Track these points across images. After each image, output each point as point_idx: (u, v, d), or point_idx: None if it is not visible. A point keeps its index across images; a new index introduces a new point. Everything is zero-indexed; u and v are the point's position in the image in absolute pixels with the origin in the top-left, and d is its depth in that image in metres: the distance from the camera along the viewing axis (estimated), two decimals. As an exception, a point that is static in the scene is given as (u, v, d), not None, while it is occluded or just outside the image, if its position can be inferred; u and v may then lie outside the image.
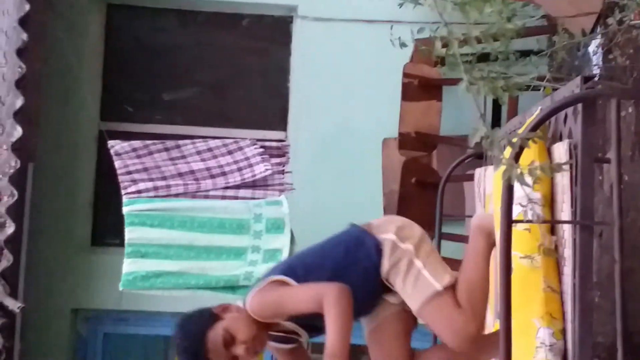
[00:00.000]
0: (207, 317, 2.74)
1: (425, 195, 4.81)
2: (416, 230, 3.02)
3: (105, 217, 5.80)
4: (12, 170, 4.89)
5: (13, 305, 4.72)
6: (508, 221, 2.25)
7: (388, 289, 2.95)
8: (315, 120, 5.80)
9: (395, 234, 2.96)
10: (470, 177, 4.30)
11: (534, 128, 2.34)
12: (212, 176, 4.37)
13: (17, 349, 5.12)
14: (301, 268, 2.88)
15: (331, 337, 2.59)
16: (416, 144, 5.13)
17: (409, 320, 3.00)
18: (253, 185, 4.37)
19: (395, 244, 2.94)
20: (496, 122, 5.10)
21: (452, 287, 2.90)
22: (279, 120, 5.97)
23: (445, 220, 4.27)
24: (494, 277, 3.31)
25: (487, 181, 3.73)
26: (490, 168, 3.71)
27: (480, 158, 4.31)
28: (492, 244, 3.05)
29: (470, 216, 4.33)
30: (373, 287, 2.93)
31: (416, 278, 2.89)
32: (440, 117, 5.15)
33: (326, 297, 2.65)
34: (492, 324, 3.41)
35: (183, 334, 2.74)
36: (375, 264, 2.90)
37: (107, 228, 5.76)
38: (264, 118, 6.02)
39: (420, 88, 5.11)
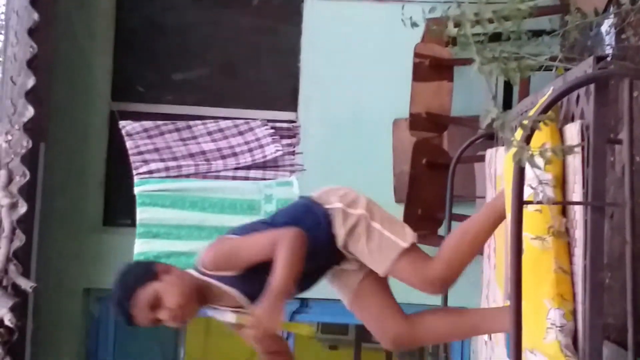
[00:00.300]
0: (146, 274, 2.69)
1: (436, 176, 4.81)
2: (359, 195, 3.01)
3: (116, 197, 5.82)
4: (24, 151, 4.91)
5: (25, 284, 4.75)
6: (519, 202, 2.25)
7: (339, 259, 2.94)
8: (325, 100, 5.79)
9: (341, 202, 2.94)
10: (481, 158, 4.30)
11: (546, 109, 2.33)
12: (223, 157, 4.37)
13: (29, 329, 5.17)
14: (251, 233, 2.84)
15: (278, 273, 2.60)
16: (427, 125, 5.13)
17: (378, 276, 2.98)
18: (264, 166, 4.37)
19: (345, 212, 2.92)
20: (507, 103, 5.08)
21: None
22: (290, 101, 5.96)
23: (456, 202, 4.26)
24: (504, 259, 3.32)
25: (498, 162, 3.72)
26: (501, 149, 3.70)
27: (491, 139, 4.30)
28: (500, 219, 3.06)
29: (481, 197, 4.33)
30: (324, 256, 2.91)
31: (379, 240, 2.89)
32: (452, 97, 5.14)
33: (281, 239, 2.67)
34: (502, 305, 3.42)
35: (118, 283, 2.69)
36: (326, 233, 2.88)
37: (119, 208, 5.77)
38: (275, 98, 6.01)
39: (432, 68, 5.10)
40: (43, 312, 5.41)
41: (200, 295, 2.74)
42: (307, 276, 2.81)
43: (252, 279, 2.73)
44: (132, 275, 2.71)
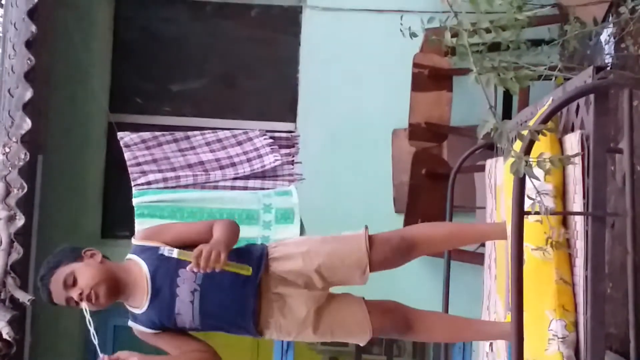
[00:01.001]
0: (70, 254, 2.88)
1: (436, 186, 4.79)
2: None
3: (115, 209, 5.80)
4: (21, 163, 4.88)
5: (23, 297, 4.72)
6: (520, 213, 2.24)
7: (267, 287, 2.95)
8: (324, 111, 5.78)
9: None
10: (481, 168, 4.29)
11: (546, 120, 2.32)
12: (222, 167, 4.36)
13: (27, 342, 5.14)
14: None
15: (218, 233, 2.79)
16: (426, 135, 5.12)
17: (320, 287, 2.99)
18: (262, 175, 4.36)
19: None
20: (507, 113, 5.06)
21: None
22: (288, 111, 5.95)
23: (456, 212, 4.26)
24: (505, 270, 3.30)
25: (498, 172, 3.71)
26: (500, 159, 3.69)
27: (491, 149, 4.29)
28: (482, 240, 3.12)
29: (481, 207, 4.32)
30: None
31: (339, 240, 3.03)
32: (451, 107, 5.13)
33: (218, 221, 2.91)
34: (504, 316, 3.40)
35: (46, 261, 2.89)
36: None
37: (117, 220, 5.76)
38: (273, 109, 6.00)
39: (431, 78, 5.09)
40: (41, 325, 5.38)
41: (114, 284, 2.85)
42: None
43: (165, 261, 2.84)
44: (59, 254, 2.90)
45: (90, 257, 2.90)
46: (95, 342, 2.84)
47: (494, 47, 2.62)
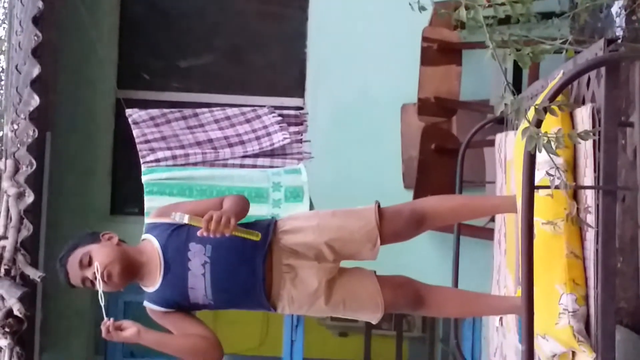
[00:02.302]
0: (88, 237, 2.97)
1: (445, 161, 4.77)
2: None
3: (124, 185, 5.81)
4: (30, 140, 4.88)
5: (34, 274, 4.74)
6: (530, 188, 2.23)
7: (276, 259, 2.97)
8: (333, 86, 5.75)
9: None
10: (491, 143, 4.27)
11: (556, 93, 2.30)
12: (230, 145, 4.35)
13: (38, 318, 5.17)
14: None
15: (228, 204, 2.85)
16: (435, 110, 5.09)
17: (331, 260, 3.00)
18: (271, 154, 4.35)
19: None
20: (517, 86, 5.02)
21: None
22: (297, 87, 5.92)
23: (465, 187, 4.24)
24: (515, 244, 3.29)
25: (508, 147, 3.69)
26: (511, 133, 3.68)
27: (500, 123, 4.27)
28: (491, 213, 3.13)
29: (491, 182, 4.31)
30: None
31: (349, 213, 3.04)
32: (460, 81, 5.09)
33: (227, 196, 2.97)
34: (514, 291, 3.40)
35: (66, 244, 2.98)
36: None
37: (126, 197, 5.76)
38: (281, 85, 5.97)
39: (440, 52, 5.05)
40: (52, 302, 5.41)
41: (129, 264, 2.91)
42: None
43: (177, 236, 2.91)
44: (78, 238, 2.99)
45: (107, 240, 2.97)
46: (103, 305, 2.88)
47: (504, 20, 2.59)
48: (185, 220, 2.76)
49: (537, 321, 2.25)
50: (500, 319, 3.72)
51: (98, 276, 2.83)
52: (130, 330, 2.87)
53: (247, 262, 2.90)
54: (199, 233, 2.74)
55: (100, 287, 2.85)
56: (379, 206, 3.04)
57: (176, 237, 2.91)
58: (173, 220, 2.82)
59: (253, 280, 2.91)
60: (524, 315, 2.23)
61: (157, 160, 4.23)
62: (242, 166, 4.33)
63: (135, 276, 2.96)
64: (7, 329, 4.69)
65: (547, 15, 3.91)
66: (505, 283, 3.69)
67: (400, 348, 8.02)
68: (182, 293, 2.92)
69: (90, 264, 2.87)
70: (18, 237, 4.84)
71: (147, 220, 3.10)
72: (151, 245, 2.96)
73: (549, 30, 3.63)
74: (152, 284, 2.96)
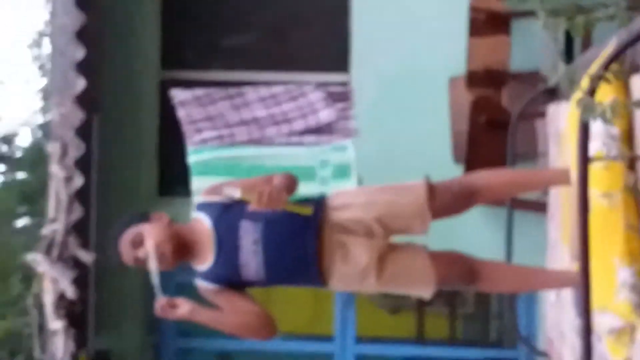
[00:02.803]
0: (140, 218, 3.01)
1: (496, 134, 4.69)
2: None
3: (171, 166, 5.82)
4: (77, 123, 4.94)
5: (85, 257, 4.81)
6: (584, 159, 2.15)
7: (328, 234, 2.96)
8: (378, 60, 5.69)
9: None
10: (543, 114, 4.19)
11: (610, 61, 2.21)
12: (276, 123, 4.34)
13: (92, 300, 5.24)
14: None
15: (278, 180, 2.88)
16: (485, 82, 5.02)
17: (381, 235, 2.99)
18: (318, 131, 4.33)
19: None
20: (569, 55, 4.90)
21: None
22: (341, 62, 5.86)
23: (518, 160, 4.17)
24: (570, 218, 3.23)
25: (561, 118, 3.62)
26: (564, 104, 3.59)
27: (552, 94, 4.17)
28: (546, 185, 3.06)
29: (544, 154, 4.22)
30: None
31: (398, 189, 3.04)
32: (510, 52, 4.99)
33: (276, 174, 2.95)
34: (570, 266, 3.33)
35: (117, 223, 3.03)
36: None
37: (174, 177, 5.77)
38: (326, 60, 5.94)
39: (488, 22, 4.97)
40: (104, 283, 5.47)
41: (181, 242, 2.95)
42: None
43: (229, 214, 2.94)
44: (129, 218, 3.03)
45: (157, 219, 2.99)
46: (155, 284, 2.89)
47: (555, -15, 2.50)
48: (238, 194, 2.82)
49: (594, 295, 2.20)
50: (557, 294, 3.66)
51: (151, 255, 2.86)
52: (184, 307, 2.90)
53: (299, 238, 2.93)
54: (251, 207, 2.80)
55: (152, 266, 2.87)
56: (428, 181, 3.01)
57: (227, 215, 2.95)
58: (225, 196, 2.89)
59: (305, 256, 2.93)
60: (581, 289, 2.18)
61: (204, 141, 4.25)
62: (288, 144, 4.32)
63: (186, 255, 3.00)
64: (61, 311, 4.77)
65: (599, -20, 3.78)
66: (561, 257, 3.63)
67: (454, 325, 7.98)
68: (234, 270, 2.95)
69: (142, 243, 2.91)
70: (68, 220, 4.90)
71: (197, 199, 3.15)
72: (202, 223, 2.99)
73: (601, -5, 3.52)
74: (204, 262, 2.99)
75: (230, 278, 2.98)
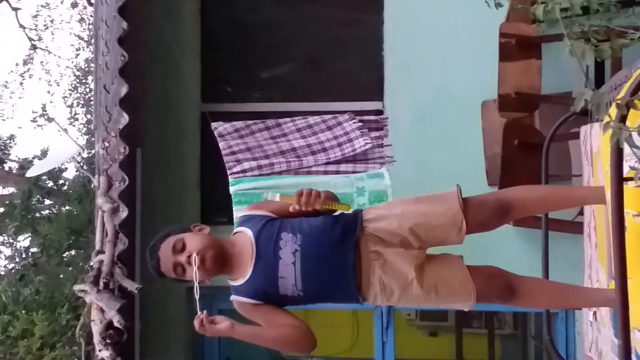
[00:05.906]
0: (180, 228, 3.03)
1: (529, 156, 4.72)
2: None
3: (212, 196, 5.91)
4: (121, 157, 5.04)
5: (131, 286, 4.85)
6: (619, 180, 2.21)
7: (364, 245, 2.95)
8: (411, 87, 5.76)
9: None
10: (576, 135, 4.21)
11: (639, 87, 2.27)
12: (313, 152, 4.39)
13: (137, 329, 5.29)
14: None
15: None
16: (517, 105, 5.04)
17: (417, 246, 2.97)
18: (354, 159, 4.38)
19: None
20: (599, 75, 4.93)
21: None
22: (376, 90, 5.93)
23: (551, 181, 4.20)
24: (606, 237, 3.24)
25: (594, 138, 3.64)
26: (596, 125, 3.63)
27: (585, 115, 4.20)
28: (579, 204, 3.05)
29: (578, 175, 4.25)
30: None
31: (432, 198, 3.03)
32: (541, 75, 5.04)
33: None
34: (607, 285, 3.35)
35: (159, 234, 3.03)
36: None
37: (215, 207, 5.86)
38: (360, 89, 6.00)
39: (518, 47, 5.01)
40: (149, 313, 5.54)
41: (221, 252, 2.95)
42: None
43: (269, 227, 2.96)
44: (170, 229, 3.04)
45: (198, 230, 3.03)
46: (197, 297, 2.87)
47: (583, 10, 2.57)
48: (277, 198, 2.90)
49: (632, 314, 2.23)
50: (594, 313, 3.66)
51: (193, 260, 2.84)
52: (223, 323, 2.86)
53: (338, 249, 2.89)
54: (290, 208, 2.86)
55: (194, 273, 2.84)
56: (460, 190, 3.00)
57: (269, 228, 2.94)
58: (265, 198, 2.95)
59: (343, 268, 2.89)
60: (618, 308, 2.20)
61: (244, 171, 4.31)
62: (325, 173, 4.36)
63: (226, 266, 2.96)
64: (108, 340, 4.81)
65: (627, 4, 3.84)
66: (598, 277, 3.64)
67: (493, 346, 7.94)
68: (272, 283, 2.91)
69: (183, 249, 2.89)
70: (115, 251, 4.97)
71: (241, 213, 3.16)
72: (244, 235, 2.98)
73: (630, 18, 3.57)
74: (242, 276, 2.95)
75: (267, 291, 2.93)
